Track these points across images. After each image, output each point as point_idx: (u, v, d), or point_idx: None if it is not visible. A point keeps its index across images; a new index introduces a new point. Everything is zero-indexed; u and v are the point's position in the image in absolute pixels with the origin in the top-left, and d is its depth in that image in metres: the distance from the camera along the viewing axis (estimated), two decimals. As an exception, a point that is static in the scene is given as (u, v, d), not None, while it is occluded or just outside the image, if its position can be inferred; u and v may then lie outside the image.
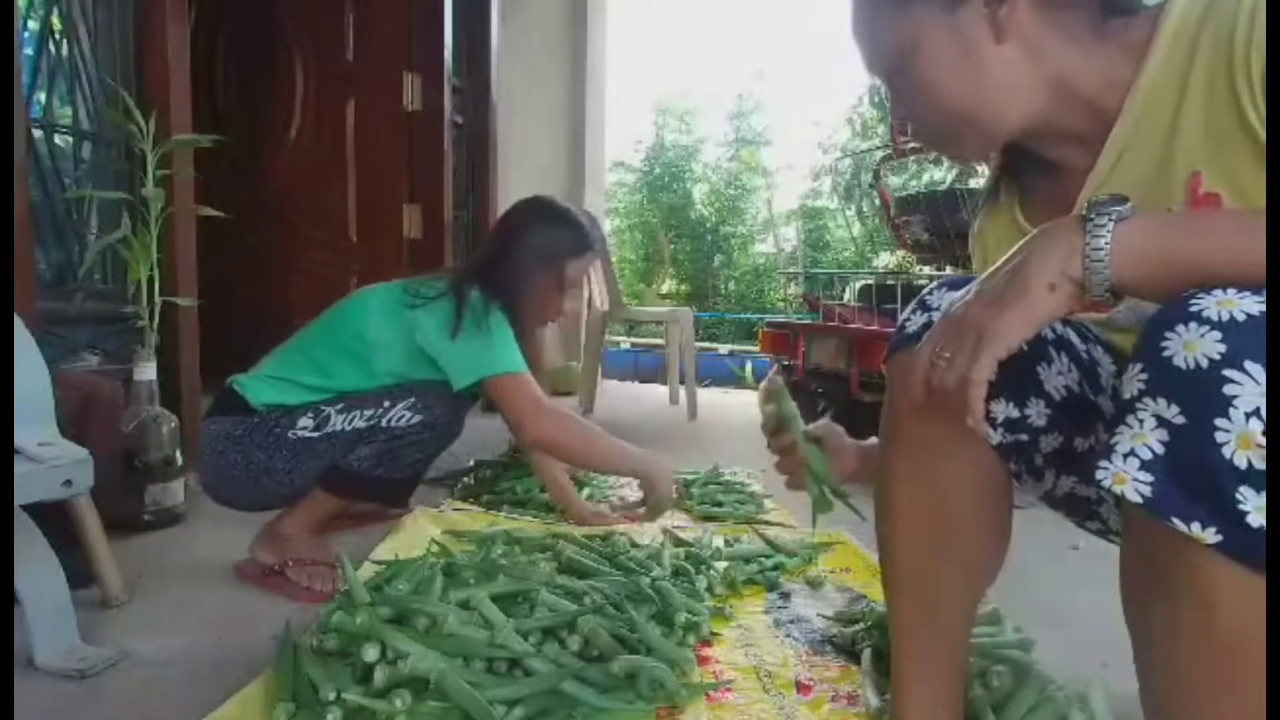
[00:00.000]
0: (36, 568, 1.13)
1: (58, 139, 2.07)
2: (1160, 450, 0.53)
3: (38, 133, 1.99)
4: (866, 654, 1.14)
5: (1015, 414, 0.75)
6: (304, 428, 1.42)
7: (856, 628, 1.23)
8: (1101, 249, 0.58)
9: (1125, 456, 0.54)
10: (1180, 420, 0.52)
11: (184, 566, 1.53)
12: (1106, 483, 0.55)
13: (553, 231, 1.66)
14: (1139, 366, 0.55)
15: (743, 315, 11.82)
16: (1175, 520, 0.52)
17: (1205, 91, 0.68)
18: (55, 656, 1.11)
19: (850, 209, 12.77)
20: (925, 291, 0.79)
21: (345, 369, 1.47)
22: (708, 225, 14.26)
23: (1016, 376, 0.74)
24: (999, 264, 0.63)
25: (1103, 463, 0.55)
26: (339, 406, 1.43)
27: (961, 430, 0.71)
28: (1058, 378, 0.77)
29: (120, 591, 1.33)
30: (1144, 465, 0.53)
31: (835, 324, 3.16)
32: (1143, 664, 0.60)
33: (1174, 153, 0.71)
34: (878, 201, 4.64)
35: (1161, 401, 0.53)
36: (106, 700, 1.05)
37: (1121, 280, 0.58)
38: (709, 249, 14.18)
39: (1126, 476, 0.54)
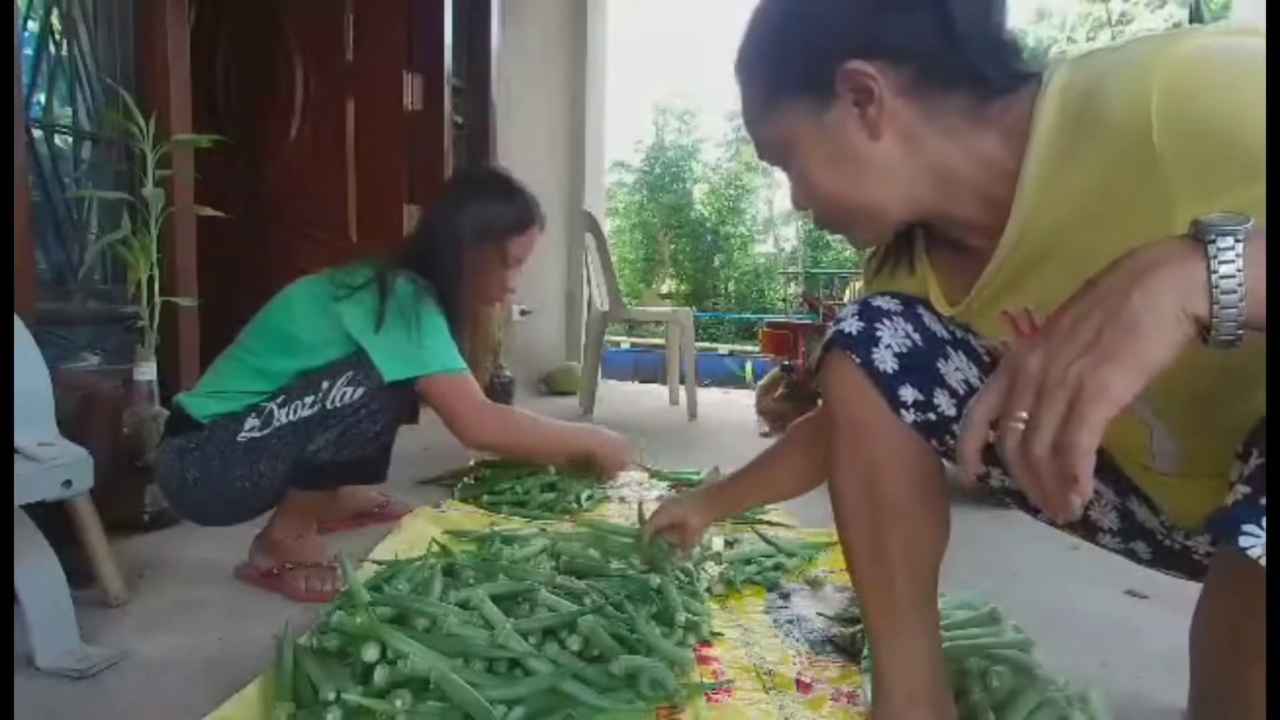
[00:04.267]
0: (36, 568, 1.13)
1: (58, 139, 2.07)
2: None
3: (38, 133, 1.99)
4: (866, 653, 1.14)
5: (921, 398, 0.80)
6: (251, 428, 1.38)
7: (856, 627, 1.23)
8: (1233, 277, 0.46)
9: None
10: None
11: (184, 566, 1.53)
12: (1255, 552, 0.47)
13: (492, 205, 1.56)
14: None
15: (743, 315, 11.81)
16: None
17: (1099, 177, 0.62)
18: (55, 656, 1.11)
19: (850, 209, 12.75)
20: (868, 297, 0.84)
21: (283, 368, 1.42)
22: (708, 225, 14.26)
23: (918, 369, 0.81)
24: (1071, 302, 0.52)
25: (1248, 526, 0.48)
26: (279, 400, 1.38)
27: (881, 419, 0.80)
28: (956, 373, 0.82)
29: (120, 591, 1.33)
30: None
31: (835, 324, 3.15)
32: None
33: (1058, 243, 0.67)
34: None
35: None
36: (106, 700, 1.04)
37: (1254, 317, 0.46)
38: (709, 249, 14.17)
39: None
